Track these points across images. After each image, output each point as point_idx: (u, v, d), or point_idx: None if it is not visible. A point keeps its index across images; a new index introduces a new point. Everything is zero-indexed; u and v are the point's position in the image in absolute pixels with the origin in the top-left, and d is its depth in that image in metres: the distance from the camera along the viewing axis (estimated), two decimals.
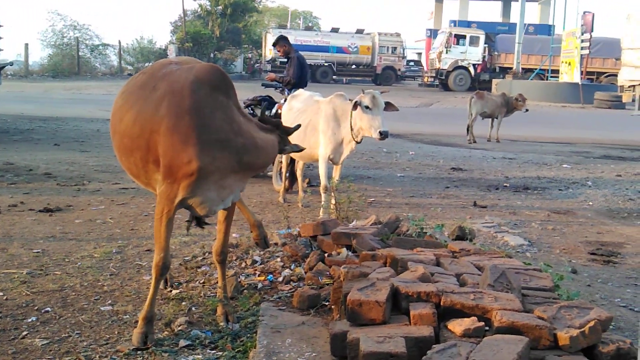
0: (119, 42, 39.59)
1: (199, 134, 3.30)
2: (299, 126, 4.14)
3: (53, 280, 4.44)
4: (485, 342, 2.70)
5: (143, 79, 3.76)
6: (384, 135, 6.13)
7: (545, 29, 39.68)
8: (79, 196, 7.25)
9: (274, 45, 9.08)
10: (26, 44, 35.94)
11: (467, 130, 14.47)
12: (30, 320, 3.75)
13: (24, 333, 3.58)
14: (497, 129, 14.47)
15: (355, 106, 6.24)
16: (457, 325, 2.88)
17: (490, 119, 14.60)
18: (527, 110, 14.51)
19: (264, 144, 3.66)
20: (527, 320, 2.83)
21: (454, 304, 3.02)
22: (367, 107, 6.17)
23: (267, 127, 3.80)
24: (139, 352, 3.37)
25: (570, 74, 30.02)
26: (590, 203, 8.13)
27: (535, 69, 34.81)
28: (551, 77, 33.44)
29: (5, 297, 4.08)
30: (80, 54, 37.45)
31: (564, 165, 11.32)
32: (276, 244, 5.09)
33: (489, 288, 3.24)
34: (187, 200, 3.45)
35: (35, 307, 3.94)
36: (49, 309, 3.93)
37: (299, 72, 8.58)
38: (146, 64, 38.48)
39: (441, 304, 3.05)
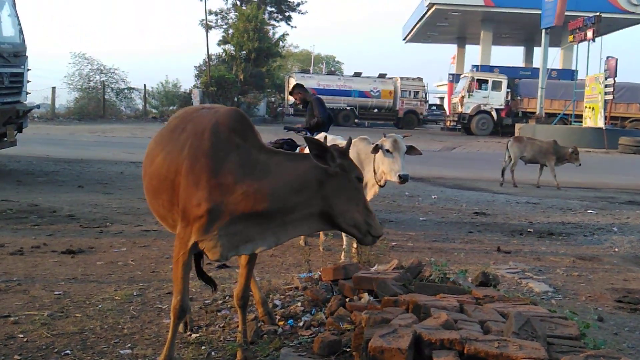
0: (144, 86, 40.24)
1: (209, 177, 3.33)
2: (350, 141, 3.78)
3: (73, 322, 4.43)
4: None
5: (175, 122, 3.88)
6: (403, 178, 6.12)
7: (569, 74, 39.70)
8: (101, 238, 7.30)
9: (291, 93, 9.19)
10: (53, 87, 36.58)
11: (502, 173, 14.62)
12: None
13: None
14: (553, 175, 14.21)
15: (376, 149, 6.25)
16: None
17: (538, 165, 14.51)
18: (579, 164, 14.21)
19: (282, 183, 3.34)
20: None
21: (478, 352, 2.97)
22: (387, 151, 6.17)
23: (298, 157, 3.52)
24: None
25: (594, 119, 29.89)
26: (616, 249, 7.99)
27: (559, 113, 34.73)
28: (575, 122, 33.33)
29: (25, 339, 4.07)
30: (106, 97, 38.09)
31: (589, 211, 11.17)
32: (297, 287, 5.05)
33: (514, 336, 3.18)
34: (199, 243, 3.44)
35: (55, 350, 3.93)
36: (68, 351, 3.91)
37: (323, 111, 8.64)
38: (171, 108, 39.07)
39: (465, 351, 2.99)
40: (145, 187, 3.91)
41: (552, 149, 14.19)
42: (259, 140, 3.55)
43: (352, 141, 6.69)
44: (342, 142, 7.03)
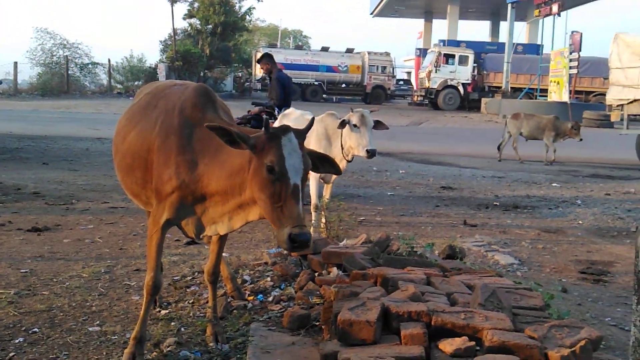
0: (109, 61, 39.50)
1: (177, 154, 3.30)
2: (287, 127, 3.07)
3: (41, 300, 4.39)
4: None
5: (147, 99, 3.84)
6: (371, 153, 6.14)
7: (534, 49, 40.00)
8: (67, 215, 7.21)
9: (259, 61, 9.12)
10: (15, 63, 35.66)
11: (498, 148, 14.87)
12: (17, 341, 3.71)
13: (12, 354, 3.54)
14: (552, 151, 14.31)
15: (343, 124, 6.25)
16: (448, 345, 2.86)
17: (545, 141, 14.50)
18: (581, 139, 14.21)
19: (224, 163, 3.19)
20: (518, 339, 2.82)
21: (444, 323, 3.01)
22: (355, 126, 6.18)
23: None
24: None
25: (559, 93, 30.22)
26: (580, 222, 8.16)
27: (524, 88, 35.07)
28: (540, 96, 33.67)
29: None
30: (69, 72, 37.30)
31: (553, 184, 11.36)
32: (266, 263, 5.07)
33: (480, 307, 3.23)
34: (172, 221, 3.44)
35: (23, 328, 3.90)
36: (36, 329, 3.88)
37: (281, 93, 8.62)
38: (136, 83, 38.49)
39: (432, 323, 3.03)
40: (117, 164, 3.87)
41: (551, 124, 14.22)
42: (218, 116, 3.45)
43: (320, 117, 6.72)
44: (309, 117, 7.02)
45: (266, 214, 2.99)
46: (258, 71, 36.55)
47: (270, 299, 4.41)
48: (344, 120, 6.26)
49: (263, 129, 3.01)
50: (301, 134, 3.07)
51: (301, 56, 40.36)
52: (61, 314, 4.17)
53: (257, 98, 29.03)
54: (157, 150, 3.42)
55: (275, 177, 2.90)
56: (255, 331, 3.71)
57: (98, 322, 4.06)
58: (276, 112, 8.34)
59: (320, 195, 6.71)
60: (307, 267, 4.77)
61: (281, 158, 2.90)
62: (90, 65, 39.14)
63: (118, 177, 3.97)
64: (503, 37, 40.72)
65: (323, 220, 6.04)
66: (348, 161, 6.52)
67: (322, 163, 3.33)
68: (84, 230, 6.57)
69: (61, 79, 36.92)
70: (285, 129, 3.01)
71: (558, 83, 30.51)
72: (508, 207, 9.04)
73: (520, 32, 40.40)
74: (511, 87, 35.17)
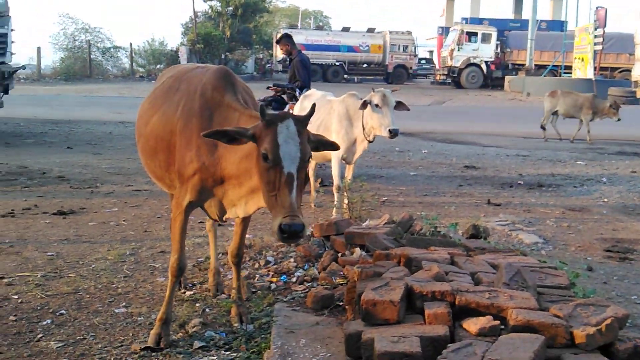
0: (130, 45, 39.63)
1: (199, 136, 3.26)
2: (286, 114, 3.03)
3: (67, 282, 4.45)
4: (501, 341, 2.68)
5: (170, 82, 3.86)
6: (394, 133, 6.10)
7: (558, 25, 39.43)
8: (92, 199, 7.28)
9: (278, 42, 9.07)
10: (38, 48, 35.95)
11: (541, 127, 14.47)
12: (45, 323, 3.76)
13: (39, 336, 3.59)
14: (586, 129, 13.96)
15: (365, 105, 6.22)
16: (472, 324, 2.86)
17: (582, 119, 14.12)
18: (619, 119, 13.84)
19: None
20: (543, 318, 2.81)
21: (469, 302, 3.00)
22: (377, 106, 6.15)
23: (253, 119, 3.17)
24: (153, 353, 3.38)
25: (584, 70, 29.78)
26: (605, 200, 8.06)
27: (548, 65, 34.60)
28: (564, 73, 33.22)
29: (20, 300, 4.09)
30: (92, 56, 37.54)
31: (579, 162, 11.23)
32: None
33: (504, 286, 3.22)
34: (195, 203, 3.48)
35: (50, 310, 3.95)
36: (63, 311, 3.94)
37: (305, 74, 8.57)
38: (158, 66, 38.62)
39: (456, 303, 3.03)
40: (141, 148, 3.90)
41: (589, 103, 13.84)
42: (237, 99, 3.43)
43: (341, 97, 6.69)
44: (332, 98, 7.00)
45: (265, 201, 2.98)
46: (279, 53, 36.51)
47: (293, 279, 4.43)
48: (365, 100, 6.23)
49: (260, 115, 2.95)
50: (301, 121, 3.01)
51: (322, 37, 40.16)
52: (87, 296, 4.22)
53: (278, 79, 29.03)
54: (180, 132, 3.44)
55: (270, 165, 2.87)
56: (279, 311, 3.73)
57: (124, 303, 4.11)
58: (297, 94, 8.31)
59: (342, 176, 6.70)
60: (330, 247, 4.78)
61: (275, 146, 2.85)
62: (112, 49, 39.40)
63: (141, 161, 4.02)
64: (526, 14, 40.18)
65: (345, 201, 6.04)
66: (369, 142, 6.49)
67: (319, 144, 3.26)
68: (109, 213, 6.64)
69: (84, 63, 37.20)
70: (284, 116, 2.96)
71: (583, 60, 30.06)
72: (532, 185, 8.96)
73: (544, 9, 39.84)
74: (535, 65, 34.75)
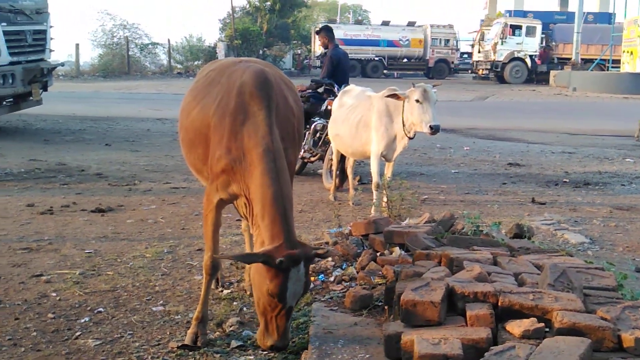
0: (168, 41, 39.92)
1: (230, 137, 3.28)
2: (299, 257, 2.99)
3: (105, 280, 4.47)
4: (546, 344, 2.60)
5: (212, 75, 3.84)
6: (435, 129, 6.00)
7: (606, 18, 38.47)
8: (130, 196, 7.33)
9: (317, 33, 9.01)
10: (77, 45, 36.42)
11: None
12: (83, 320, 3.78)
13: (77, 334, 3.61)
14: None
15: (394, 95, 6.15)
16: (516, 327, 2.79)
17: None
18: None
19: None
20: (590, 321, 2.72)
21: (512, 304, 2.92)
22: (417, 101, 6.05)
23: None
24: (190, 352, 3.36)
25: (633, 64, 29.05)
26: None
27: (595, 59, 33.80)
28: (612, 67, 32.46)
29: (58, 298, 4.13)
30: (130, 53, 37.90)
31: (627, 160, 10.91)
32: (327, 242, 5.02)
33: (549, 288, 3.12)
34: (225, 201, 3.47)
35: (88, 308, 3.97)
36: (101, 309, 3.95)
37: (330, 70, 8.48)
38: (196, 63, 38.93)
39: (499, 304, 2.95)
40: (182, 140, 3.91)
41: None
42: (269, 115, 3.28)
43: (381, 93, 6.58)
44: (371, 93, 6.90)
45: (257, 311, 3.12)
46: (317, 48, 36.50)
47: (331, 279, 4.37)
48: (395, 94, 6.16)
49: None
50: (312, 258, 3.14)
51: (361, 31, 39.97)
52: (125, 293, 4.23)
53: (316, 75, 28.97)
54: (213, 128, 3.42)
55: (274, 299, 2.97)
56: (317, 311, 3.69)
57: (161, 301, 4.11)
58: (336, 89, 8.23)
59: (381, 174, 6.61)
60: (369, 246, 4.71)
61: (283, 290, 2.93)
62: (150, 46, 39.78)
63: (183, 153, 4.01)
64: (573, 6, 39.35)
65: (384, 199, 5.94)
66: (410, 138, 6.40)
67: None
68: (147, 210, 6.67)
69: (122, 60, 37.59)
70: (297, 259, 2.96)
71: (631, 53, 29.32)
72: (578, 183, 8.73)
73: (591, 1, 38.99)
74: (581, 59, 34.00)
